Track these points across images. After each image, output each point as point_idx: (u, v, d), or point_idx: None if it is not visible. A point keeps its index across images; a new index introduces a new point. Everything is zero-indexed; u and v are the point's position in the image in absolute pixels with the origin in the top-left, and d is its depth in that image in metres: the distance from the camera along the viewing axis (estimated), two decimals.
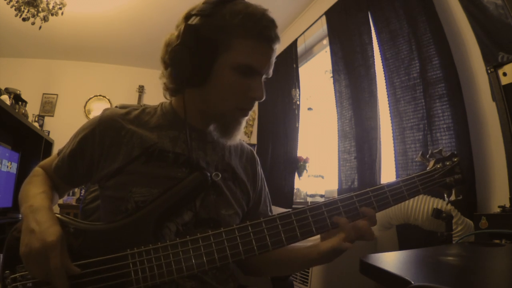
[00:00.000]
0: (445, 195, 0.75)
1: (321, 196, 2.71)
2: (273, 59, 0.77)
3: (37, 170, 0.84)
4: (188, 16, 0.75)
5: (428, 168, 0.75)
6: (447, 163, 0.75)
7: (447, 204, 1.31)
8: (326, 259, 0.71)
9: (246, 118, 0.79)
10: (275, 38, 0.74)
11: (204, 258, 0.63)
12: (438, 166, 0.75)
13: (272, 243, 0.64)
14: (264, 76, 0.77)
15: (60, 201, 3.65)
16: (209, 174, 0.73)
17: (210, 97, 0.76)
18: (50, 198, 0.75)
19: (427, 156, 0.78)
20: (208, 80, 0.73)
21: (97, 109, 4.55)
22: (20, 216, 0.71)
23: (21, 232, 0.65)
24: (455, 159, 0.76)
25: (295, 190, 2.81)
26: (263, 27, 0.72)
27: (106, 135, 0.76)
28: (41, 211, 0.68)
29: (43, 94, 4.48)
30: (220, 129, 0.78)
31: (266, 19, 0.73)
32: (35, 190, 0.75)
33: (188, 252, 0.63)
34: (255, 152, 0.94)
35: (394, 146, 1.80)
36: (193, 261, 0.62)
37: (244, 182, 0.85)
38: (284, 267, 0.84)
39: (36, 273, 0.61)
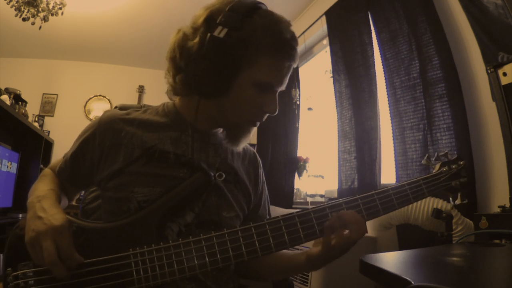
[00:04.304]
0: (450, 199, 0.75)
1: (321, 196, 2.70)
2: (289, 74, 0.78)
3: (46, 170, 0.86)
4: (210, 21, 0.70)
5: (434, 171, 0.75)
6: (453, 167, 0.75)
7: (451, 207, 1.31)
8: (313, 263, 0.71)
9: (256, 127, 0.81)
10: (297, 57, 0.75)
11: (207, 259, 0.63)
12: (444, 169, 0.74)
13: (275, 245, 0.64)
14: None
15: None
16: (212, 174, 0.73)
17: (225, 109, 0.75)
18: (58, 195, 0.76)
19: (433, 159, 0.78)
20: (227, 93, 0.72)
21: (97, 109, 4.54)
22: (21, 216, 0.71)
23: (24, 229, 0.65)
24: (461, 163, 0.75)
25: (295, 190, 2.82)
26: (290, 47, 0.72)
27: (106, 137, 0.77)
28: (48, 200, 0.70)
29: (43, 94, 4.48)
30: (230, 137, 0.79)
31: (293, 37, 0.73)
32: (44, 187, 0.76)
33: (190, 252, 0.63)
34: (257, 155, 0.94)
35: (394, 146, 1.80)
36: (195, 261, 0.62)
37: (246, 185, 0.85)
38: (274, 271, 0.83)
39: (42, 259, 0.60)
